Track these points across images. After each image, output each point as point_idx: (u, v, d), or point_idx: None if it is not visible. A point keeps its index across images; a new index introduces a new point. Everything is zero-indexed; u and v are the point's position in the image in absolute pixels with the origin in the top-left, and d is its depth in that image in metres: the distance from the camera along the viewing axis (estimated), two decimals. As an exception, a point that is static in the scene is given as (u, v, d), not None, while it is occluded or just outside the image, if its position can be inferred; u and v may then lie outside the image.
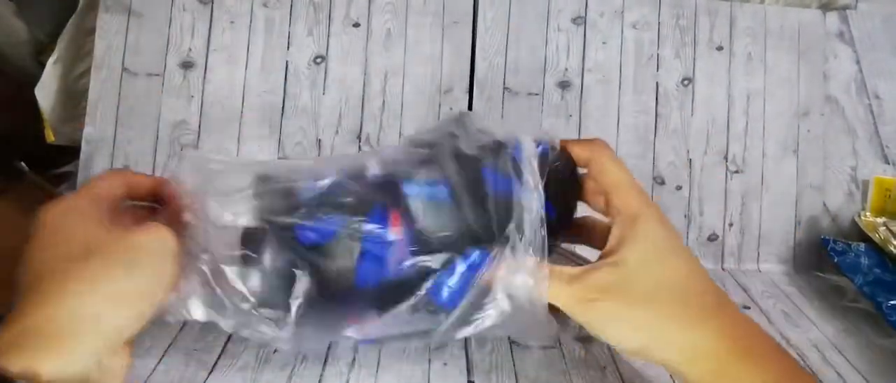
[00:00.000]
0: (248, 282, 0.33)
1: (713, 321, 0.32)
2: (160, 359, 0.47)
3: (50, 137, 0.69)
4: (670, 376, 0.49)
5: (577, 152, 0.38)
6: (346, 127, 0.68)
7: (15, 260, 0.51)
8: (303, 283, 0.34)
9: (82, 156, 0.66)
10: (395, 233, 0.34)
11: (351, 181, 0.35)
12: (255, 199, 0.34)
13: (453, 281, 0.34)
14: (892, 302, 0.59)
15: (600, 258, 0.36)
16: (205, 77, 0.68)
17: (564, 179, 0.36)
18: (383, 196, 0.35)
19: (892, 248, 0.67)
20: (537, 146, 0.34)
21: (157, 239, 0.33)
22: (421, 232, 0.34)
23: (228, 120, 0.68)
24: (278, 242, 0.34)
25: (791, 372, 0.32)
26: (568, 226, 0.37)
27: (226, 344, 0.50)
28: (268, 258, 0.33)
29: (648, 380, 0.49)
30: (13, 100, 0.58)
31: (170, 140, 0.67)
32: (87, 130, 0.66)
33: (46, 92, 0.67)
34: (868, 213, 0.73)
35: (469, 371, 0.48)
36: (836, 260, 0.67)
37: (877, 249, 0.68)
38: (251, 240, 0.34)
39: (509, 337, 0.53)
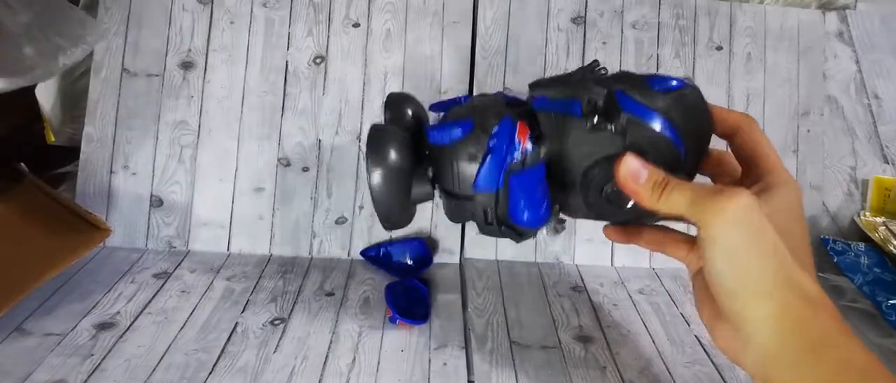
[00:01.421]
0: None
1: (820, 288, 0.31)
2: (160, 359, 0.47)
3: (50, 138, 0.69)
4: (671, 376, 0.50)
5: (726, 117, 0.36)
6: (346, 127, 0.68)
7: (14, 259, 0.51)
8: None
9: (82, 156, 0.66)
10: (520, 140, 0.34)
11: (485, 98, 0.38)
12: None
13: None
14: (891, 302, 0.59)
15: None
16: (205, 77, 0.68)
17: (699, 120, 0.35)
18: (513, 109, 0.36)
19: (891, 248, 0.67)
20: (674, 81, 0.33)
21: None
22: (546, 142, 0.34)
23: (228, 120, 0.68)
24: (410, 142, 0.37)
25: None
26: (694, 171, 0.35)
27: (225, 344, 0.50)
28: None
29: (649, 380, 0.49)
30: (13, 101, 0.58)
31: (170, 140, 0.67)
32: (87, 131, 0.66)
33: (47, 92, 0.67)
34: (867, 213, 0.73)
35: (469, 370, 0.48)
36: (835, 259, 0.67)
37: (876, 249, 0.68)
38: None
39: (510, 337, 0.53)
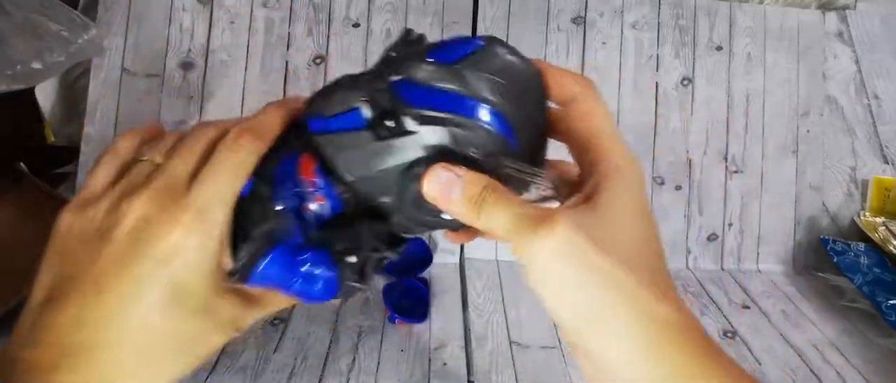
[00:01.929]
0: None
1: (679, 303, 0.26)
2: (160, 360, 0.47)
3: (50, 138, 0.69)
4: None
5: (561, 82, 0.28)
6: (346, 127, 0.68)
7: (13, 259, 0.51)
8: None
9: (82, 156, 0.66)
10: (307, 182, 0.27)
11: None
12: None
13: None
14: (891, 302, 0.59)
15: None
16: (204, 77, 0.68)
17: (522, 87, 0.26)
18: (294, 139, 0.27)
19: (891, 248, 0.67)
20: (469, 45, 0.25)
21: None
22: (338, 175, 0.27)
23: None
24: None
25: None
26: (538, 155, 0.27)
27: (226, 344, 0.50)
28: None
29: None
30: (13, 101, 0.58)
31: (169, 140, 0.67)
32: (87, 131, 0.66)
33: (46, 93, 0.67)
34: (867, 213, 0.73)
35: (469, 370, 0.48)
36: (835, 260, 0.67)
37: (876, 249, 0.68)
38: None
39: (510, 337, 0.53)
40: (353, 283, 0.27)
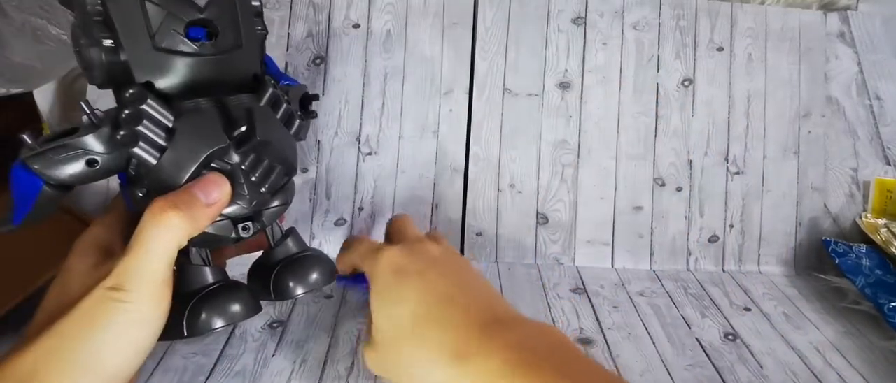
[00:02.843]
0: None
1: (490, 342, 0.30)
2: (158, 363, 0.47)
3: (48, 139, 0.69)
4: None
5: (350, 261, 0.45)
6: (346, 128, 0.68)
7: (11, 261, 0.51)
8: None
9: (81, 157, 0.65)
10: None
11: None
12: None
13: None
14: (893, 304, 0.59)
15: None
16: (204, 78, 0.67)
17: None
18: None
19: (893, 250, 0.66)
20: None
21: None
22: None
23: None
24: None
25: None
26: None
27: (224, 347, 0.49)
28: None
29: (649, 383, 0.48)
30: (11, 102, 0.58)
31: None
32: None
33: (45, 93, 0.67)
34: (869, 215, 0.72)
35: (469, 374, 0.48)
36: (837, 261, 0.67)
37: (878, 251, 0.67)
38: None
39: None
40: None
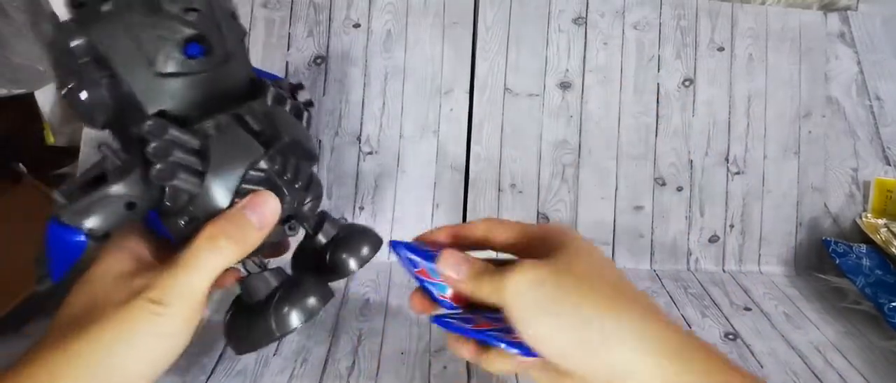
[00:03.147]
0: None
1: (663, 316, 0.30)
2: (159, 362, 0.47)
3: (49, 139, 0.69)
4: None
5: (473, 228, 0.36)
6: (346, 128, 0.68)
7: (13, 261, 0.51)
8: None
9: (81, 157, 0.65)
10: None
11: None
12: None
13: None
14: (893, 304, 0.59)
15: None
16: (204, 78, 0.67)
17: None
18: None
19: (893, 250, 0.66)
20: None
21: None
22: None
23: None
24: None
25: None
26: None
27: (225, 347, 0.49)
28: None
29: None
30: (12, 102, 0.58)
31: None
32: (87, 131, 0.66)
33: (46, 93, 0.67)
34: (869, 215, 0.72)
35: (469, 374, 0.48)
36: (837, 261, 0.67)
37: (878, 251, 0.67)
38: None
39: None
40: None
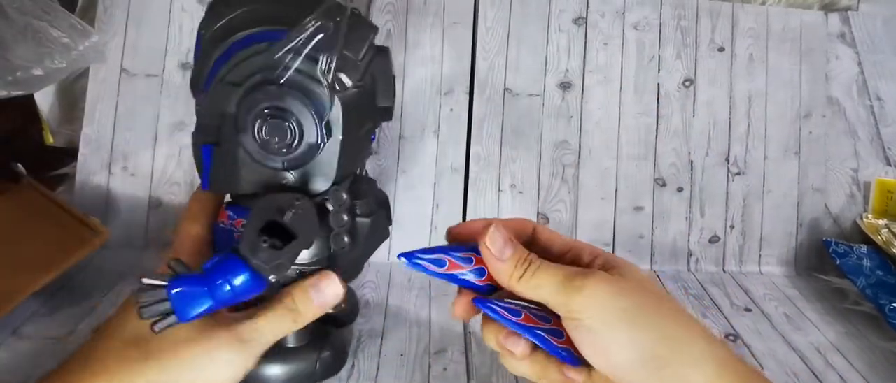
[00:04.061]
0: None
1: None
2: (159, 363, 0.47)
3: (48, 139, 0.68)
4: None
5: (521, 224, 0.34)
6: (346, 128, 0.68)
7: (12, 261, 0.51)
8: None
9: (80, 157, 0.65)
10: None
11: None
12: None
13: None
14: (894, 305, 0.59)
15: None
16: (204, 78, 0.67)
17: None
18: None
19: (894, 250, 0.66)
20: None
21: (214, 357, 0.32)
22: None
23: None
24: None
25: None
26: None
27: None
28: None
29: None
30: (11, 102, 0.58)
31: (169, 141, 0.66)
32: (86, 132, 0.66)
33: (45, 93, 0.67)
34: (870, 215, 0.72)
35: (469, 375, 0.48)
36: (838, 262, 0.67)
37: (879, 251, 0.67)
38: None
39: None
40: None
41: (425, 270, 0.33)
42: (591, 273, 0.29)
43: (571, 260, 0.33)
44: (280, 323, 0.34)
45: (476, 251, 0.32)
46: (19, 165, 0.61)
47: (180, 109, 0.67)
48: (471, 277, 0.32)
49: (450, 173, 0.69)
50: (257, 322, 0.33)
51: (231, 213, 0.37)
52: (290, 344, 0.44)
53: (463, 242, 0.34)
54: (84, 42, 0.59)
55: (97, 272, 0.59)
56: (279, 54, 0.33)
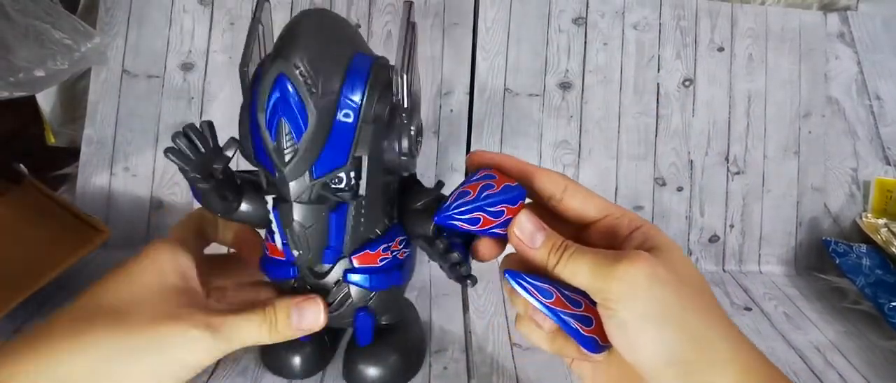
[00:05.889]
0: None
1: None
2: (160, 363, 0.47)
3: (50, 139, 0.69)
4: None
5: (552, 179, 0.32)
6: (347, 128, 0.68)
7: (13, 260, 0.51)
8: None
9: (82, 157, 0.66)
10: None
11: None
12: None
13: None
14: (893, 304, 0.59)
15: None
16: (205, 79, 0.68)
17: None
18: None
19: (893, 250, 0.66)
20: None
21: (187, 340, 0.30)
22: None
23: (228, 122, 0.67)
24: None
25: None
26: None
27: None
28: None
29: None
30: (13, 103, 0.58)
31: (169, 142, 0.66)
32: (87, 132, 0.66)
33: (46, 94, 0.67)
34: (869, 215, 0.72)
35: (469, 374, 0.48)
36: (837, 261, 0.67)
37: (878, 251, 0.67)
38: None
39: (511, 339, 0.53)
40: None
41: (459, 229, 0.32)
42: (629, 257, 0.27)
43: (608, 228, 0.31)
44: (255, 329, 0.33)
45: (512, 200, 0.31)
46: (21, 165, 0.61)
47: (181, 110, 0.67)
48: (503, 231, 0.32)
49: (450, 173, 0.69)
50: (235, 318, 0.32)
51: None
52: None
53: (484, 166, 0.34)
54: (86, 43, 0.60)
55: (98, 272, 0.59)
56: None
